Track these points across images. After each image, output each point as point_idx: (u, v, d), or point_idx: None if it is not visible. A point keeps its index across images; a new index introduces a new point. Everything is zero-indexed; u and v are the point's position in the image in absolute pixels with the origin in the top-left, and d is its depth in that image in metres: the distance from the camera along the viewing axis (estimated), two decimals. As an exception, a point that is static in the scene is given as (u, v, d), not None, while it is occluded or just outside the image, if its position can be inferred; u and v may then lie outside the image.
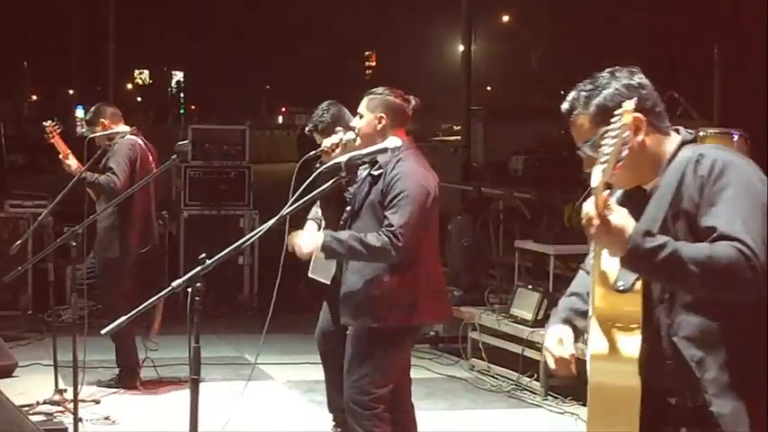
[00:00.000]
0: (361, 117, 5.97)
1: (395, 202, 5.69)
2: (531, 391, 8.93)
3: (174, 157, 7.41)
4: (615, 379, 3.45)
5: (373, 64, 67.39)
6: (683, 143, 3.58)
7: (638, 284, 3.49)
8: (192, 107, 67.38)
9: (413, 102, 6.05)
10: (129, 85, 68.83)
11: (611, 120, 3.30)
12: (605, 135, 3.30)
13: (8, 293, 11.29)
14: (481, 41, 38.47)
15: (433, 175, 5.93)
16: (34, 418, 7.44)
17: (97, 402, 8.35)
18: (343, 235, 5.76)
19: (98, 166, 8.74)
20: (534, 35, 51.78)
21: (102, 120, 9.00)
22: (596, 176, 3.30)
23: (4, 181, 17.02)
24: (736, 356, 3.41)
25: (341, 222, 6.04)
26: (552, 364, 3.84)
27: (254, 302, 12.47)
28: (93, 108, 9.25)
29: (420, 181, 5.79)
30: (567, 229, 10.97)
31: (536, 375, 8.90)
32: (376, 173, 5.83)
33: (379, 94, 5.99)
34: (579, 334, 3.87)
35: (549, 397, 8.74)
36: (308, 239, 5.96)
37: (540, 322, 8.90)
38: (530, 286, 9.41)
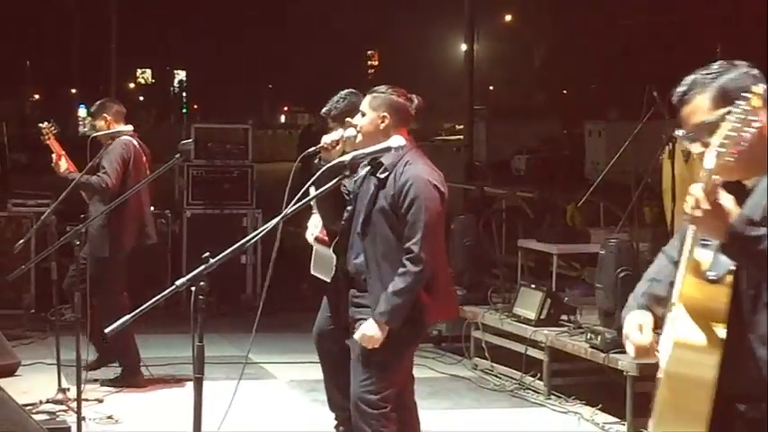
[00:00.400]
0: (364, 115, 5.90)
1: (410, 212, 5.65)
2: (534, 391, 8.90)
3: (177, 156, 7.39)
4: (695, 370, 3.36)
5: (376, 63, 67.38)
6: None
7: (729, 278, 3.42)
8: (195, 106, 67.44)
9: (415, 101, 6.00)
10: (132, 85, 68.88)
11: (737, 101, 3.22)
12: (726, 117, 3.23)
13: (11, 292, 11.30)
14: (484, 41, 38.50)
15: (439, 174, 5.88)
16: (37, 417, 7.43)
17: (100, 401, 8.34)
18: (383, 303, 5.63)
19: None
20: (536, 34, 51.79)
21: (105, 115, 9.00)
22: (710, 159, 3.24)
23: (7, 180, 17.01)
24: None
25: (342, 222, 6.01)
26: (632, 352, 3.67)
27: (257, 301, 12.44)
28: (99, 102, 9.25)
29: (431, 180, 5.74)
30: (569, 228, 10.99)
31: (539, 375, 8.87)
32: (382, 176, 5.76)
33: (383, 92, 5.93)
34: (658, 321, 3.75)
35: (552, 396, 8.72)
36: (369, 332, 5.70)
37: (543, 321, 8.91)
38: (533, 285, 9.38)
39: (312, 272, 6.95)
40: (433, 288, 5.79)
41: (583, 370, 8.67)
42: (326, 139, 6.10)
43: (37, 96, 61.20)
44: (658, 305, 3.73)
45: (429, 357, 9.94)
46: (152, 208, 12.20)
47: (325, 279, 6.82)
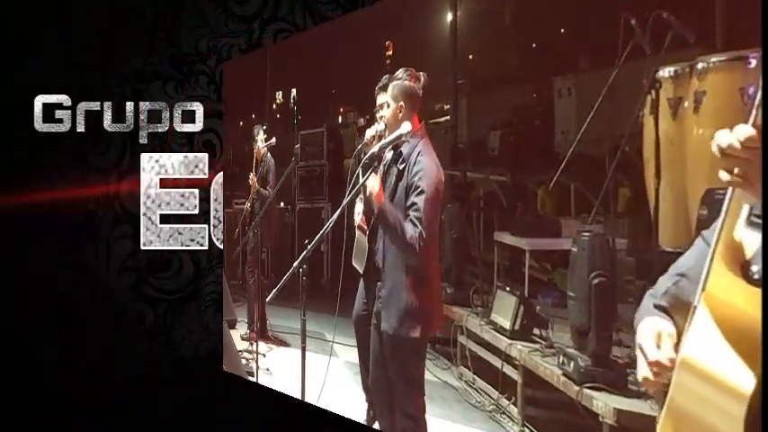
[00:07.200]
0: (388, 107, 5.65)
1: (417, 203, 5.36)
2: (509, 417, 7.20)
3: (293, 159, 8.57)
4: (708, 414, 2.45)
5: (390, 53, 66.16)
6: None
7: None
8: (299, 117, 66.35)
9: (422, 80, 5.57)
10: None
11: None
12: None
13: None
14: (466, 5, 39.82)
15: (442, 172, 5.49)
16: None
17: (263, 356, 9.25)
18: (393, 210, 5.43)
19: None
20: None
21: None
22: None
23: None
24: None
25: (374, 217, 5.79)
26: (643, 371, 2.72)
27: (329, 286, 12.50)
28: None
29: (436, 179, 5.41)
30: (540, 218, 9.17)
31: (514, 399, 7.17)
32: (401, 167, 5.51)
33: (398, 79, 5.58)
34: (680, 330, 2.75)
35: (526, 428, 6.92)
36: (374, 184, 5.47)
37: (518, 333, 7.29)
38: (507, 288, 7.71)
39: (353, 262, 6.35)
40: (436, 300, 5.62)
41: (557, 402, 6.63)
42: (368, 135, 5.91)
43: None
44: (685, 310, 2.72)
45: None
46: (282, 204, 13.39)
47: (359, 269, 6.31)
